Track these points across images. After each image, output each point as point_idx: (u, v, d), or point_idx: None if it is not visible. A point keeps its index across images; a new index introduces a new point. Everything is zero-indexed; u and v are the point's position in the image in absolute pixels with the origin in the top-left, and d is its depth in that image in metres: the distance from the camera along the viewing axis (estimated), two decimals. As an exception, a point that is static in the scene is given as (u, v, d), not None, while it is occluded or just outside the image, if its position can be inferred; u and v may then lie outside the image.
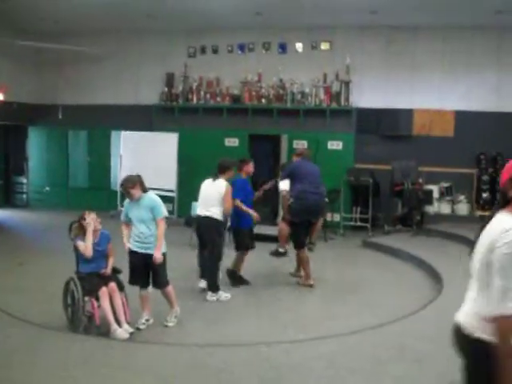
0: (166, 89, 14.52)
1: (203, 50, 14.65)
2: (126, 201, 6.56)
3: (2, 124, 15.09)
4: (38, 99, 15.80)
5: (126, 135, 14.07)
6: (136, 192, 6.31)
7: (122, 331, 6.07)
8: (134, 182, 6.31)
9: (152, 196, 6.47)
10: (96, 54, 14.61)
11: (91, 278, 6.28)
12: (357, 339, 6.18)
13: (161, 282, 6.53)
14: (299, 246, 8.45)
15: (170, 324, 6.62)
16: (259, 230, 11.35)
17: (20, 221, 13.72)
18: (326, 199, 9.72)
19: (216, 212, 7.68)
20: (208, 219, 7.72)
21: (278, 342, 6.08)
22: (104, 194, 14.39)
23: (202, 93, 14.27)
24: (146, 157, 13.45)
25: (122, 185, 6.45)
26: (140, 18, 13.39)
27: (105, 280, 6.29)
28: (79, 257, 6.45)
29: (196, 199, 8.23)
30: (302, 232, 8.42)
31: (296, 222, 8.32)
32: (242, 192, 8.19)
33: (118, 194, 13.79)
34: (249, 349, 5.94)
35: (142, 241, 6.37)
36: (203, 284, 7.95)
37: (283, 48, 14.13)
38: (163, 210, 6.45)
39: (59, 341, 6.01)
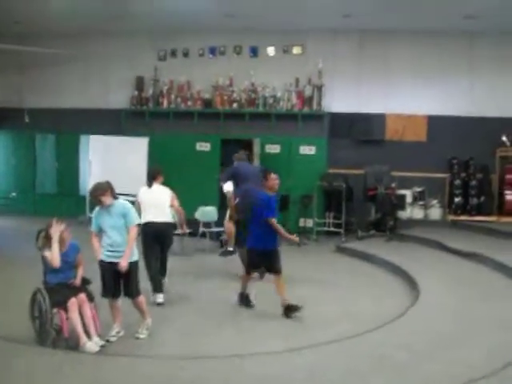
0: (136, 92, 14.26)
1: (174, 53, 14.44)
2: (96, 209, 6.32)
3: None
4: (3, 102, 15.34)
5: (94, 139, 13.78)
6: (107, 199, 6.11)
7: (92, 344, 5.83)
8: (105, 189, 6.11)
9: (123, 203, 6.28)
10: (64, 55, 14.24)
11: (59, 289, 6.02)
12: (335, 349, 6.04)
13: (132, 292, 6.32)
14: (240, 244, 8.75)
15: (142, 336, 6.39)
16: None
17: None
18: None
19: (169, 216, 8.08)
20: (167, 224, 8.00)
21: (254, 353, 5.90)
22: (72, 200, 14.08)
23: (173, 97, 14.05)
24: (116, 162, 13.18)
25: (91, 193, 6.23)
26: (106, 20, 13.06)
27: (74, 291, 6.05)
28: (47, 267, 6.18)
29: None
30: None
31: (244, 220, 8.35)
32: (274, 210, 7.45)
33: (87, 200, 13.48)
34: (223, 361, 5.75)
35: (115, 249, 6.15)
36: (161, 299, 7.72)
37: (255, 52, 14.00)
38: (135, 217, 6.26)
39: (25, 354, 5.73)
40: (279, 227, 7.40)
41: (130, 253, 6.16)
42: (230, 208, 9.05)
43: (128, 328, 6.44)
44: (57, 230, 6.16)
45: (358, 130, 13.16)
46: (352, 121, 13.20)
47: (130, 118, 14.24)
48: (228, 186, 9.05)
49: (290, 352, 5.97)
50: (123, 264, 6.07)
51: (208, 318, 7.25)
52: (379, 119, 13.08)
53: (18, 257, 10.43)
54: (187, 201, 11.70)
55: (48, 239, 6.21)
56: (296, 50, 13.75)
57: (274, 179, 7.46)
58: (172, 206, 8.15)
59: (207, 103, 13.88)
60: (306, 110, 13.26)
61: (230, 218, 9.05)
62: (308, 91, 13.33)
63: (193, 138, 13.37)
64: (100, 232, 6.27)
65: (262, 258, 7.48)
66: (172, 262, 8.49)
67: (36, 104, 14.98)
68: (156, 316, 6.74)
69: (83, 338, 5.84)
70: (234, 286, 8.51)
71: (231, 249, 9.01)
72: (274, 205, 7.42)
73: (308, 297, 8.04)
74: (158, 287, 7.78)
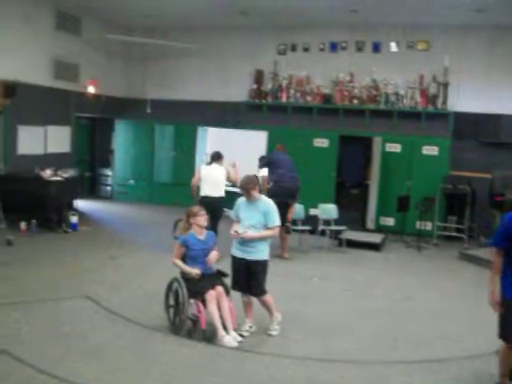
0: (255, 86, 14.27)
1: (294, 48, 14.35)
2: (240, 200, 6.33)
3: (90, 117, 15.24)
4: (126, 93, 15.93)
5: (212, 132, 13.89)
6: (255, 193, 6.15)
7: (231, 339, 5.81)
8: (255, 183, 6.17)
9: (268, 201, 6.27)
10: (189, 49, 14.52)
11: (197, 280, 6.03)
12: (476, 363, 5.70)
13: (257, 291, 6.27)
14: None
15: (274, 332, 6.33)
16: (350, 235, 11.08)
17: (105, 213, 13.75)
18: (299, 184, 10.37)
19: (223, 192, 9.62)
20: (220, 198, 9.51)
21: (394, 361, 5.67)
22: (187, 191, 14.21)
23: (292, 91, 13.95)
24: (233, 154, 13.18)
25: (243, 185, 6.20)
26: (231, 15, 13.20)
27: (212, 282, 6.04)
28: (186, 255, 6.21)
29: None
30: (279, 211, 7.92)
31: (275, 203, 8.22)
32: None
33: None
34: (365, 367, 5.55)
35: (247, 246, 6.12)
36: None
37: (377, 47, 13.65)
38: (277, 218, 6.21)
39: (167, 344, 5.81)
40: None
41: (259, 236, 6.09)
42: (264, 191, 9.39)
43: (260, 323, 6.39)
44: (203, 217, 6.23)
45: (485, 132, 12.53)
46: (478, 121, 12.59)
47: (248, 112, 14.27)
48: (263, 172, 10.36)
49: (431, 363, 5.69)
50: (247, 234, 6.02)
51: (337, 317, 7.09)
52: (510, 121, 12.36)
53: (140, 243, 10.74)
54: (304, 197, 11.68)
55: (188, 228, 6.25)
56: (421, 46, 13.28)
57: None
58: (232, 177, 9.70)
59: (326, 99, 13.69)
60: (430, 108, 12.78)
61: None
62: (433, 89, 12.84)
63: (310, 133, 13.19)
64: (238, 221, 6.28)
65: None
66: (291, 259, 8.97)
67: (157, 95, 15.39)
68: (287, 312, 6.64)
69: (221, 331, 5.83)
70: (359, 285, 8.38)
71: None
72: None
73: (437, 303, 7.71)
74: None
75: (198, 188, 9.76)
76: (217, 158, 9.81)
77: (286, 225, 9.73)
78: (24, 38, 12.22)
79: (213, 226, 8.60)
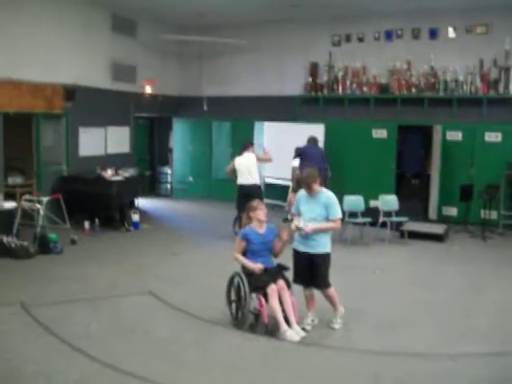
0: (310, 79, 14.17)
1: (348, 39, 14.14)
2: (301, 193, 6.31)
3: (148, 116, 15.48)
4: (183, 91, 16.10)
5: (269, 126, 13.87)
6: (316, 187, 6.11)
7: (293, 333, 5.79)
8: (315, 177, 6.12)
9: (330, 194, 6.20)
10: (242, 45, 14.56)
11: (259, 274, 6.03)
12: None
13: (321, 284, 6.22)
14: None
15: (337, 326, 6.28)
16: (412, 226, 10.88)
17: (165, 210, 13.96)
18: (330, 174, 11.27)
19: (257, 179, 10.61)
20: (254, 185, 10.41)
21: (462, 354, 5.53)
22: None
23: (348, 82, 13.78)
24: (290, 148, 13.17)
25: (304, 179, 6.18)
26: (284, 8, 13.13)
27: (273, 276, 6.03)
28: (246, 249, 6.22)
29: (344, 191, 10.03)
30: None
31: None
32: None
33: (262, 187, 13.66)
34: (431, 360, 5.43)
35: (309, 239, 6.08)
36: None
37: (434, 33, 13.27)
38: (339, 210, 6.14)
39: (230, 339, 5.84)
40: None
41: (321, 228, 6.05)
42: (294, 181, 10.60)
43: (322, 316, 6.35)
44: (263, 212, 6.24)
45: (551, 115, 12.08)
46: (543, 105, 12.15)
47: (304, 105, 14.20)
48: (295, 162, 10.95)
49: (503, 355, 5.52)
50: (307, 229, 5.99)
51: (401, 310, 6.98)
52: None
53: (200, 239, 10.85)
54: (364, 189, 11.59)
55: (249, 222, 6.27)
56: (480, 30, 12.84)
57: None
58: (262, 159, 10.97)
59: (383, 88, 13.46)
60: (491, 93, 12.39)
61: (293, 190, 10.36)
62: (494, 74, 12.44)
63: (368, 124, 13.01)
64: (299, 215, 6.25)
65: None
66: (352, 252, 8.95)
67: (213, 92, 15.49)
68: (349, 305, 6.57)
69: (284, 325, 5.82)
70: (423, 277, 8.22)
71: (290, 217, 9.10)
72: None
73: (505, 300, 7.48)
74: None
75: (235, 176, 10.67)
76: (246, 147, 10.74)
77: None
78: (82, 42, 12.51)
79: None
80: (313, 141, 11.42)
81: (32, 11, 11.12)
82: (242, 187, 10.44)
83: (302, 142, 11.78)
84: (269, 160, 11.25)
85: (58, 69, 11.88)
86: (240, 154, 10.76)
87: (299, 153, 11.12)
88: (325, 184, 9.52)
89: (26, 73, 11.07)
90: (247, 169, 10.48)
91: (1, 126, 10.67)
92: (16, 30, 10.82)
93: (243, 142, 11.10)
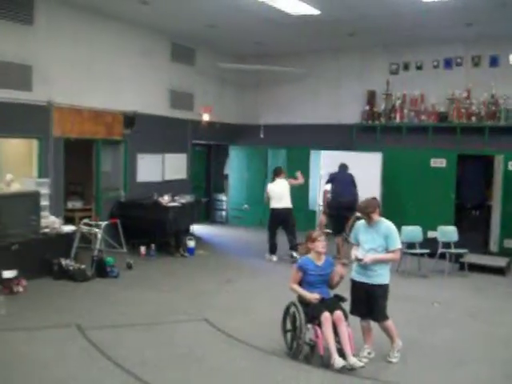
0: (368, 107, 14.08)
1: (406, 67, 14.05)
2: (360, 223, 6.23)
3: (205, 143, 15.64)
4: (240, 119, 16.24)
5: (326, 154, 13.79)
6: (375, 217, 6.03)
7: (340, 360, 5.57)
8: (375, 207, 6.06)
9: (389, 224, 6.10)
10: (299, 73, 14.63)
11: (315, 304, 5.92)
12: None
13: (378, 316, 6.07)
14: (336, 232, 11.23)
15: (394, 360, 6.08)
16: (472, 259, 10.56)
17: (221, 237, 14.00)
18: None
19: (289, 203, 11.36)
20: (287, 209, 11.30)
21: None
22: (302, 215, 14.21)
23: (406, 111, 13.63)
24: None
25: (362, 209, 6.12)
26: (340, 37, 13.14)
27: (330, 307, 5.91)
28: (302, 280, 6.13)
29: (402, 222, 9.54)
30: (337, 222, 11.27)
31: (333, 214, 11.43)
32: None
33: (317, 215, 13.59)
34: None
35: (367, 269, 5.98)
36: (275, 258, 11.33)
37: (495, 61, 13.05)
38: (398, 241, 6.03)
39: (284, 369, 5.73)
40: None
41: (381, 258, 5.96)
42: (324, 204, 11.90)
43: (379, 348, 6.18)
44: (322, 243, 6.13)
45: None
46: None
47: (361, 133, 14.12)
48: (327, 187, 11.76)
49: None
50: (367, 259, 5.90)
51: (462, 345, 6.72)
52: None
53: (256, 267, 10.80)
54: (422, 219, 11.33)
55: (306, 252, 6.20)
56: (544, 57, 12.58)
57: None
58: (294, 183, 11.61)
59: (442, 117, 13.26)
60: (556, 123, 12.05)
61: (324, 212, 11.89)
62: (559, 103, 12.12)
63: (427, 153, 12.80)
64: (358, 245, 6.18)
65: None
66: (410, 283, 8.51)
67: (270, 120, 15.57)
68: (406, 338, 6.38)
69: (334, 354, 5.66)
70: (484, 310, 7.94)
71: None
72: None
73: None
74: (273, 250, 11.43)
75: (269, 201, 11.52)
76: (279, 173, 11.55)
77: (345, 235, 10.68)
78: (142, 70, 12.79)
79: (291, 236, 11.28)
80: (343, 167, 11.88)
81: (92, 39, 11.47)
82: (275, 210, 11.36)
83: (360, 171, 11.73)
84: (300, 183, 11.90)
85: (118, 96, 12.17)
86: (273, 180, 11.57)
87: (330, 179, 11.80)
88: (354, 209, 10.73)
89: (88, 100, 11.39)
90: (280, 194, 11.28)
91: (62, 152, 10.94)
92: (77, 57, 11.16)
93: (275, 169, 11.83)
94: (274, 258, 11.34)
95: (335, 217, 11.36)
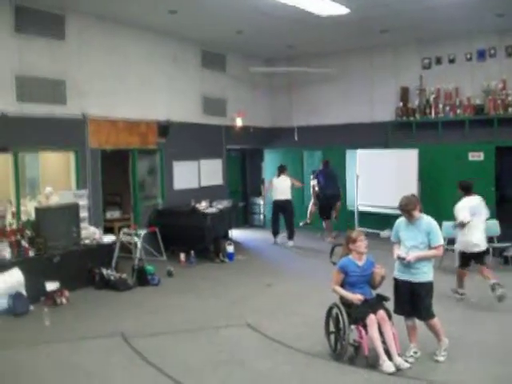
0: (401, 104, 13.92)
1: (439, 61, 13.81)
2: (400, 220, 6.16)
3: (239, 148, 15.67)
4: (273, 122, 16.26)
5: (362, 153, 13.69)
6: (416, 213, 5.95)
7: (390, 364, 5.54)
8: (415, 204, 5.99)
9: (430, 220, 6.02)
10: (331, 73, 14.57)
11: (358, 306, 5.87)
12: None
13: (422, 314, 5.98)
14: (325, 217, 13.83)
15: (441, 358, 5.97)
16: None
17: (259, 241, 13.98)
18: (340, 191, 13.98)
19: (289, 195, 13.34)
20: (287, 200, 13.27)
21: None
22: (340, 215, 14.13)
23: (441, 105, 13.42)
24: (384, 175, 12.98)
25: (403, 206, 6.02)
26: (371, 34, 13.01)
27: (372, 307, 5.85)
28: (344, 281, 6.08)
29: (442, 217, 9.01)
30: (325, 209, 13.79)
31: (321, 204, 13.83)
32: None
33: (356, 214, 13.49)
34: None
35: (410, 267, 5.89)
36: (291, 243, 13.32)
37: (530, 50, 12.79)
38: (441, 237, 5.95)
39: (329, 371, 5.69)
40: None
41: (424, 255, 5.89)
42: (313, 196, 14.02)
43: (425, 347, 6.08)
44: (363, 243, 6.09)
45: None
46: None
47: (395, 131, 13.95)
48: (313, 182, 13.93)
49: None
50: (410, 257, 5.83)
51: (508, 341, 6.56)
52: None
53: (296, 270, 10.77)
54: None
55: (347, 252, 6.14)
56: None
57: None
58: (294, 184, 13.49)
59: (478, 110, 13.00)
60: None
61: (313, 203, 14.07)
62: None
63: (464, 147, 12.57)
64: (399, 243, 6.12)
65: None
66: (452, 279, 8.46)
67: (303, 122, 15.52)
68: (453, 335, 6.26)
69: (383, 356, 5.62)
70: None
71: (308, 221, 14.23)
72: None
73: None
74: (275, 234, 13.55)
75: (270, 193, 13.75)
76: (283, 170, 13.45)
77: (334, 217, 13.85)
78: (173, 78, 12.89)
79: (288, 223, 13.35)
80: (326, 164, 13.95)
81: (123, 51, 11.61)
82: (277, 202, 13.36)
83: (396, 169, 11.71)
84: (299, 186, 13.89)
85: (152, 105, 12.29)
86: (278, 176, 13.42)
87: (316, 174, 13.95)
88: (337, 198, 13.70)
89: (122, 110, 11.54)
90: (282, 188, 13.25)
91: (99, 163, 11.08)
92: (109, 69, 11.32)
93: (279, 166, 13.70)
94: (278, 240, 13.48)
95: (323, 205, 13.74)
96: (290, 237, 13.32)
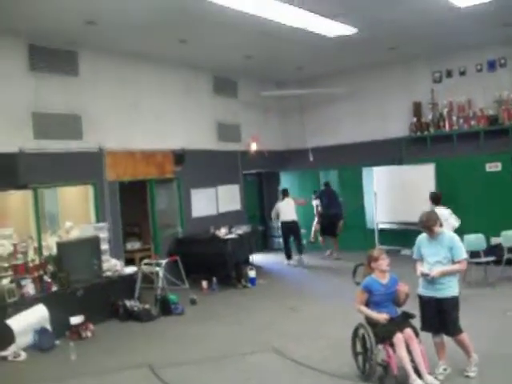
0: (415, 119, 13.90)
1: (449, 74, 13.81)
2: (421, 237, 6.12)
3: (256, 172, 15.71)
4: (287, 145, 16.32)
5: (378, 171, 13.67)
6: (437, 229, 5.91)
7: (420, 383, 5.47)
8: (435, 220, 5.94)
9: (452, 235, 6.02)
10: (342, 92, 14.62)
11: (384, 325, 5.82)
12: None
13: (450, 329, 5.90)
14: (329, 234, 14.37)
15: (472, 374, 5.89)
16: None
17: (280, 264, 13.94)
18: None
19: (295, 216, 13.90)
20: (293, 221, 13.82)
21: None
22: (360, 234, 14.10)
23: (454, 118, 13.39)
24: (401, 191, 12.95)
25: (423, 222, 5.97)
26: (380, 52, 13.06)
27: (399, 326, 5.80)
28: (369, 301, 6.04)
29: (463, 231, 9.01)
30: (329, 227, 14.24)
31: (325, 222, 14.32)
32: None
33: (376, 233, 13.43)
34: None
35: (436, 282, 5.83)
36: (292, 261, 13.90)
37: (540, 58, 12.75)
38: (463, 251, 5.91)
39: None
40: None
41: (448, 271, 5.83)
42: (317, 215, 14.53)
43: (454, 364, 6.00)
44: (385, 261, 6.06)
45: None
46: None
47: (410, 146, 13.91)
48: (316, 201, 14.50)
49: None
50: (434, 273, 5.78)
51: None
52: None
53: (321, 292, 10.72)
54: (483, 226, 10.99)
55: (370, 272, 6.11)
56: None
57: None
58: (298, 203, 14.20)
59: (492, 120, 12.95)
60: None
61: (317, 222, 14.54)
62: None
63: (481, 158, 12.50)
64: (421, 259, 6.08)
65: None
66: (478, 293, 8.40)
67: (317, 142, 15.51)
68: (482, 351, 6.18)
69: (412, 375, 5.54)
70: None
71: (313, 240, 14.81)
72: None
73: None
74: (288, 255, 13.93)
75: (277, 215, 14.04)
76: (286, 193, 14.12)
77: (337, 234, 14.31)
78: (186, 106, 13.02)
79: (297, 240, 13.95)
80: (327, 185, 14.58)
81: (136, 82, 11.78)
82: (284, 223, 13.87)
83: (413, 185, 11.85)
84: (302, 204, 14.51)
85: (167, 135, 12.41)
86: (282, 199, 14.06)
87: (317, 195, 14.55)
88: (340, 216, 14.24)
89: (137, 142, 11.66)
90: (287, 210, 13.79)
91: (117, 195, 11.17)
92: (123, 101, 11.49)
93: (282, 189, 14.48)
94: (292, 262, 13.83)
95: (327, 223, 14.26)
96: (300, 251, 13.87)
